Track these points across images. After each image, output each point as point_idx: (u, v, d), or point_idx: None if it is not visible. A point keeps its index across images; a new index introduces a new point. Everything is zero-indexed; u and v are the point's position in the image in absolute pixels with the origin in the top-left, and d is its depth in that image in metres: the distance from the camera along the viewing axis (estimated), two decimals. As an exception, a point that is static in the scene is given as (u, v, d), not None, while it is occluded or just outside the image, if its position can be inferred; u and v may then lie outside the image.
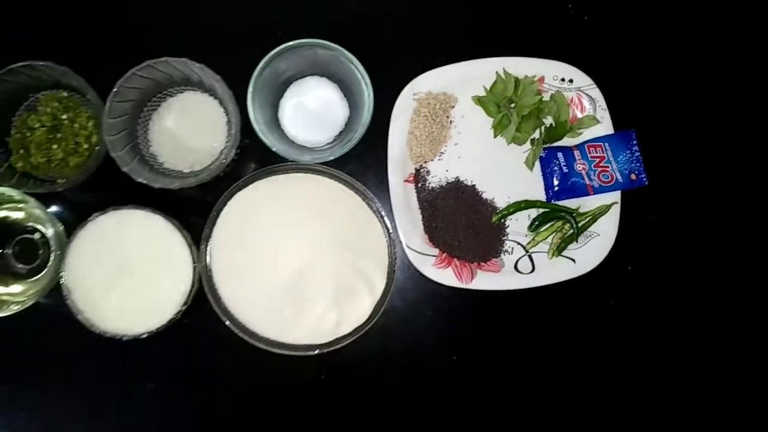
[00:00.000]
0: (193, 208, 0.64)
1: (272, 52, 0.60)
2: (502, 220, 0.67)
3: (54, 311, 0.62)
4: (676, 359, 0.68)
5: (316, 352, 0.61)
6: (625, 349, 0.67)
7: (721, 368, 0.68)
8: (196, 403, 0.65)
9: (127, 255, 0.60)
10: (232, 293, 0.61)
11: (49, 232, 0.63)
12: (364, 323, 0.61)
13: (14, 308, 0.60)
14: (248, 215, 0.61)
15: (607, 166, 0.66)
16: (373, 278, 0.62)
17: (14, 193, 0.59)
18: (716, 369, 0.68)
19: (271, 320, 0.61)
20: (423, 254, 0.65)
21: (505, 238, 0.67)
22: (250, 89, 0.60)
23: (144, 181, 0.59)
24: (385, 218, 0.62)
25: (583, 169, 0.66)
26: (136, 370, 0.64)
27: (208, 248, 0.61)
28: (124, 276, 0.59)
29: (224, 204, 0.61)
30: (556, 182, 0.66)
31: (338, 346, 0.61)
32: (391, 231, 0.62)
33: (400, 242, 0.64)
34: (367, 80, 0.60)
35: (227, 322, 0.60)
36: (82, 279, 0.59)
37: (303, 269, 0.61)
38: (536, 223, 0.66)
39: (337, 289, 0.61)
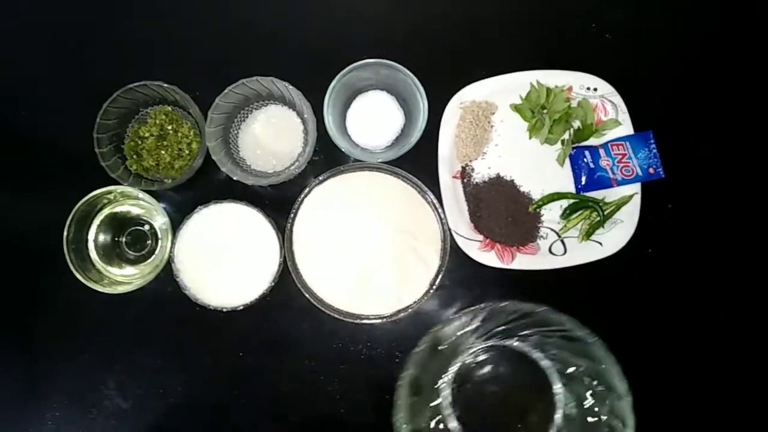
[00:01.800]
0: (275, 202, 0.76)
1: (344, 71, 0.71)
2: (538, 210, 0.77)
3: (165, 289, 0.75)
4: (691, 330, 0.77)
5: (382, 321, 0.72)
6: (646, 320, 0.77)
7: (729, 337, 0.77)
8: (277, 364, 0.76)
9: (226, 240, 0.72)
10: (311, 272, 0.72)
11: (159, 224, 0.76)
12: (421, 297, 0.72)
13: (126, 288, 0.72)
14: (324, 207, 0.73)
15: (629, 162, 0.76)
16: (429, 259, 0.73)
17: (135, 191, 0.72)
18: (725, 337, 0.77)
19: (343, 294, 0.72)
20: (469, 239, 0.76)
21: (541, 225, 0.77)
22: (326, 101, 0.71)
23: (238, 179, 0.72)
24: (438, 208, 0.73)
25: (607, 165, 0.76)
26: (231, 339, 0.76)
27: (293, 235, 0.72)
28: (224, 258, 0.72)
29: (304, 198, 0.73)
30: (583, 176, 0.76)
31: (399, 316, 0.72)
32: (443, 219, 0.73)
33: (450, 229, 0.75)
34: (423, 93, 0.71)
35: (306, 296, 0.71)
36: (189, 260, 0.71)
37: (370, 251, 0.73)
38: (567, 211, 0.76)
39: (398, 268, 0.72)
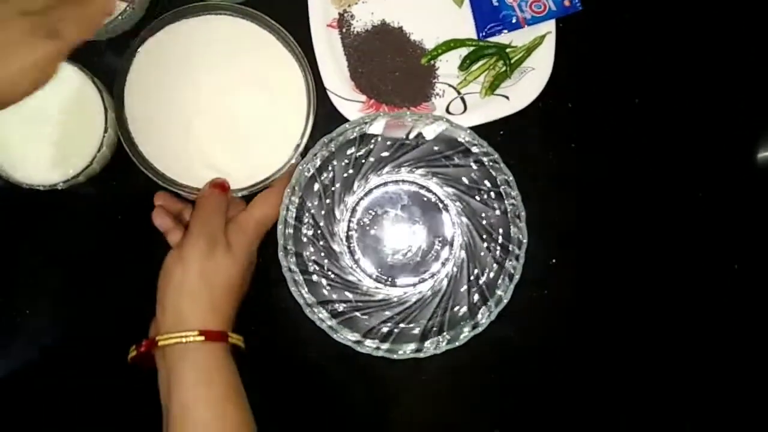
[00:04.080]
0: (107, 60, 0.62)
1: None
2: (432, 62, 0.63)
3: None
4: (613, 189, 0.65)
5: (239, 195, 0.59)
6: (562, 182, 0.64)
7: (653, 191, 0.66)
8: (121, 252, 0.64)
9: (40, 104, 0.58)
10: (148, 141, 0.59)
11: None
12: (284, 165, 0.59)
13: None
14: (160, 61, 0.59)
15: (540, -5, 0.62)
16: (292, 122, 0.59)
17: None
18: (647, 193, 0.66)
19: (189, 167, 0.59)
20: (350, 100, 0.62)
21: (436, 80, 0.63)
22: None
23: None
24: (303, 58, 0.60)
25: (514, 0, 0.62)
26: (66, 227, 0.63)
27: (124, 96, 0.59)
28: (39, 125, 0.58)
29: (137, 49, 0.59)
30: (486, 18, 0.62)
31: (255, 189, 0.59)
32: (309, 71, 0.60)
33: (324, 89, 0.62)
34: None
35: (144, 170, 0.58)
36: (-4, 130, 0.59)
37: (219, 114, 0.59)
38: (467, 62, 0.63)
39: (256, 133, 0.60)
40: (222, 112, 0.60)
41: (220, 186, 0.57)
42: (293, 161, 0.59)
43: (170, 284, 0.52)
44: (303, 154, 0.58)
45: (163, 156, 0.59)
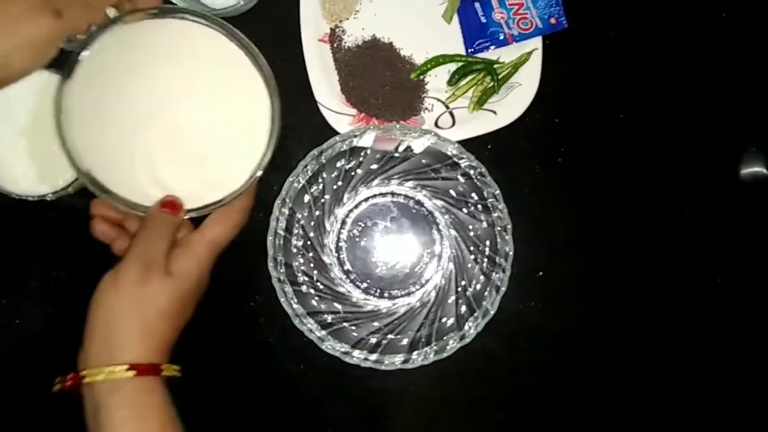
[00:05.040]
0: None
1: None
2: (422, 77, 0.64)
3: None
4: (601, 206, 0.66)
5: (186, 216, 0.53)
6: (548, 198, 0.65)
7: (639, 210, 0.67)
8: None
9: (28, 116, 0.58)
10: (92, 155, 0.52)
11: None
12: (236, 191, 0.52)
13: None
14: (110, 65, 0.51)
15: (526, 13, 0.63)
16: (250, 145, 0.53)
17: None
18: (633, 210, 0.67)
19: (135, 183, 0.53)
20: (340, 114, 0.63)
21: (425, 95, 0.65)
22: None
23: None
24: (272, 79, 0.53)
25: (502, 18, 0.63)
26: (50, 238, 0.63)
27: (62, 101, 0.49)
28: (27, 137, 0.58)
29: (78, 54, 0.49)
30: (474, 34, 0.64)
31: (205, 212, 0.53)
32: (277, 95, 0.53)
33: (315, 102, 0.63)
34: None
35: (89, 185, 0.51)
36: (-13, 140, 0.58)
37: (169, 127, 0.54)
38: (456, 77, 0.64)
39: (207, 152, 0.55)
40: (173, 125, 0.55)
41: (170, 204, 0.51)
42: (247, 186, 0.52)
43: (101, 311, 0.47)
44: (260, 179, 0.53)
45: (108, 171, 0.52)
